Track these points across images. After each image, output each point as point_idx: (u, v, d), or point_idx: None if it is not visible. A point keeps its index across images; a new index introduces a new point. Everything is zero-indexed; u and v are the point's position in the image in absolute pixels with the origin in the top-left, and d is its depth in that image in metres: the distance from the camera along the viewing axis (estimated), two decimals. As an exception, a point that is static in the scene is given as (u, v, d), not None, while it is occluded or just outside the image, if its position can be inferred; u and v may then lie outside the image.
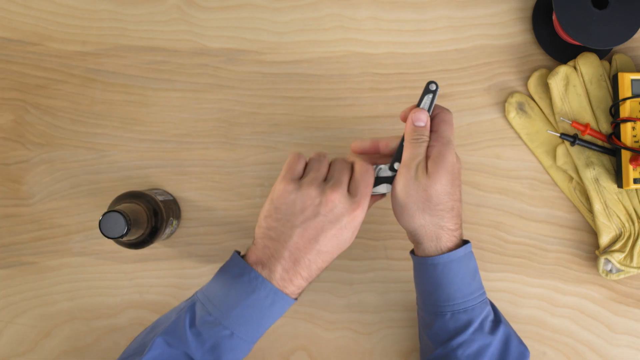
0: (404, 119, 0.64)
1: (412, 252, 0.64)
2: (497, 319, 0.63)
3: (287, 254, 0.58)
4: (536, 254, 0.75)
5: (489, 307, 0.63)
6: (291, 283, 0.59)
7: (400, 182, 0.61)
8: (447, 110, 0.63)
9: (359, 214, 0.59)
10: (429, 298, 0.63)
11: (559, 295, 0.74)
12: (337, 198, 0.59)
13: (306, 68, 0.75)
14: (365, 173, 0.61)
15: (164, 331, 0.58)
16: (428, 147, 0.62)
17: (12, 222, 0.75)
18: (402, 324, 0.74)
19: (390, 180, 0.63)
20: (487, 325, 0.62)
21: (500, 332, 0.62)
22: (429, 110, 0.63)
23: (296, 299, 0.60)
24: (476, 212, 0.75)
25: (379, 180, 0.63)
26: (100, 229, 0.60)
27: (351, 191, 0.60)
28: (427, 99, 0.63)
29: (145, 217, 0.66)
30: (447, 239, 0.61)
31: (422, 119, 0.62)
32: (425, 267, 0.62)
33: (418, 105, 0.63)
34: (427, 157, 0.61)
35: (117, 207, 0.62)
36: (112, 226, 0.61)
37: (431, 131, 0.63)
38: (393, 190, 0.62)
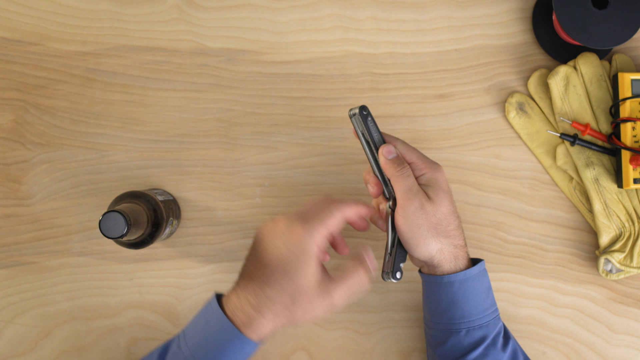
0: (367, 181, 0.63)
1: (421, 271, 0.64)
2: (507, 335, 0.64)
3: (250, 295, 0.56)
4: (536, 254, 0.75)
5: (501, 323, 0.63)
6: (241, 312, 0.56)
7: (406, 216, 0.59)
8: (397, 138, 0.63)
9: (304, 232, 0.56)
10: (442, 316, 0.62)
11: (559, 295, 0.74)
12: (283, 221, 0.57)
13: (306, 68, 0.75)
14: (329, 200, 0.59)
15: None
16: (417, 175, 0.62)
17: (12, 222, 0.75)
18: (402, 324, 0.74)
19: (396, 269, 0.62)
20: (500, 340, 0.62)
21: (510, 347, 0.62)
22: (380, 133, 0.63)
23: (252, 340, 0.56)
24: (476, 212, 0.75)
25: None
26: (100, 229, 0.60)
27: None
28: (373, 128, 0.63)
29: (145, 217, 0.66)
30: (463, 257, 0.61)
31: (392, 150, 0.62)
32: (441, 285, 0.61)
33: (368, 136, 0.62)
34: (421, 184, 0.61)
35: (117, 207, 0.62)
36: (112, 226, 0.61)
37: (407, 162, 0.62)
38: (400, 228, 0.60)
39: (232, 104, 0.75)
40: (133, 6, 0.76)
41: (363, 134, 0.62)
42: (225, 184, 0.75)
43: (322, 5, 0.75)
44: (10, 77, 0.76)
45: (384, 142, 0.63)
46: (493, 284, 0.74)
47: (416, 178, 0.61)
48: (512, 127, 0.75)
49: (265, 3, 0.75)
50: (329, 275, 0.58)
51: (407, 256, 0.63)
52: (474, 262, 0.63)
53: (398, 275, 0.62)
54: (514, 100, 0.74)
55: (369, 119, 0.62)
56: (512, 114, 0.74)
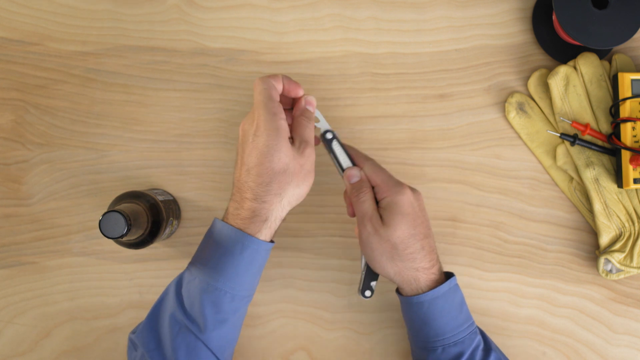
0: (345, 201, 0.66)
1: (397, 290, 0.65)
2: (488, 347, 0.64)
3: (234, 189, 0.60)
4: (536, 254, 0.75)
5: (479, 337, 0.63)
6: (245, 218, 0.58)
7: (361, 240, 0.62)
8: (367, 158, 0.65)
9: (259, 114, 0.59)
10: (418, 334, 0.63)
11: (559, 295, 0.74)
12: (243, 126, 0.60)
13: (306, 68, 0.75)
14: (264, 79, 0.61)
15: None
16: (379, 199, 0.62)
17: (12, 222, 0.75)
18: (402, 324, 0.74)
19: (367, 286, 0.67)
20: (478, 354, 0.62)
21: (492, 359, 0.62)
22: (348, 155, 0.65)
23: (263, 240, 0.59)
24: (476, 212, 0.75)
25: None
26: (100, 229, 0.60)
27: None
28: (338, 150, 0.65)
29: (145, 217, 0.66)
30: (426, 278, 0.62)
31: (355, 174, 0.64)
32: (411, 305, 0.62)
33: (336, 159, 0.65)
34: (380, 208, 0.62)
35: (117, 207, 0.62)
36: (112, 226, 0.61)
37: (373, 185, 0.64)
38: (361, 248, 0.63)
39: (232, 104, 0.75)
40: (133, 6, 0.76)
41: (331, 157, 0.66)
42: (225, 184, 0.75)
43: (322, 5, 0.75)
44: (10, 77, 0.76)
45: (353, 164, 0.65)
46: (493, 284, 0.74)
47: (380, 200, 0.63)
48: (512, 127, 0.75)
49: (265, 3, 0.75)
50: (293, 144, 0.61)
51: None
52: (447, 275, 0.64)
53: (367, 293, 0.66)
54: (514, 100, 0.74)
55: (334, 142, 0.65)
56: (512, 114, 0.74)
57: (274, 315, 0.74)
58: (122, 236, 0.60)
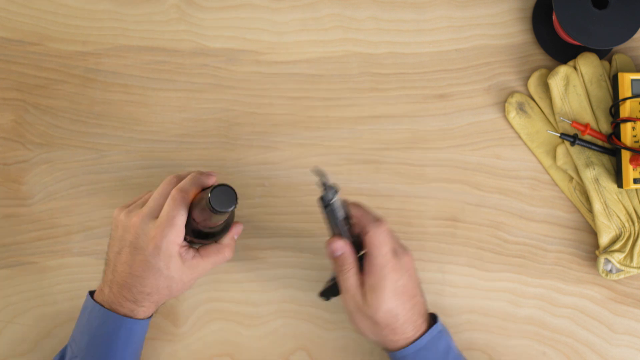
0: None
1: None
2: None
3: (111, 277, 0.62)
4: (536, 254, 0.75)
5: None
6: (120, 306, 0.61)
7: (345, 309, 0.62)
8: (377, 223, 0.59)
9: (160, 237, 0.59)
10: None
11: (559, 295, 0.74)
12: (137, 223, 0.60)
13: (306, 68, 0.75)
14: (172, 196, 0.60)
15: None
16: (364, 273, 0.60)
17: (12, 222, 0.75)
18: (402, 324, 0.74)
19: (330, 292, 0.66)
20: None
21: None
22: (346, 218, 0.60)
23: (140, 319, 0.62)
24: (476, 212, 0.75)
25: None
26: (210, 203, 0.56)
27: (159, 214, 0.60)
28: (331, 214, 0.59)
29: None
30: (407, 337, 0.61)
31: (338, 248, 0.60)
32: (396, 359, 0.62)
33: (329, 223, 0.60)
34: (364, 282, 0.60)
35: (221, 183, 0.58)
36: (224, 199, 0.56)
37: (366, 253, 0.60)
38: (345, 310, 0.62)
39: (232, 104, 0.75)
40: (133, 6, 0.76)
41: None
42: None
43: (322, 5, 0.75)
44: (10, 77, 0.76)
45: (343, 228, 0.60)
46: (493, 284, 0.74)
47: (364, 275, 0.60)
48: (512, 127, 0.75)
49: (265, 3, 0.75)
50: (193, 252, 0.63)
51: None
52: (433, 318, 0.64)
53: (323, 299, 0.67)
54: (514, 100, 0.74)
55: (328, 207, 0.59)
56: (512, 114, 0.74)
57: (274, 315, 0.74)
58: (232, 209, 0.57)
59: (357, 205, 0.62)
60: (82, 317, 0.64)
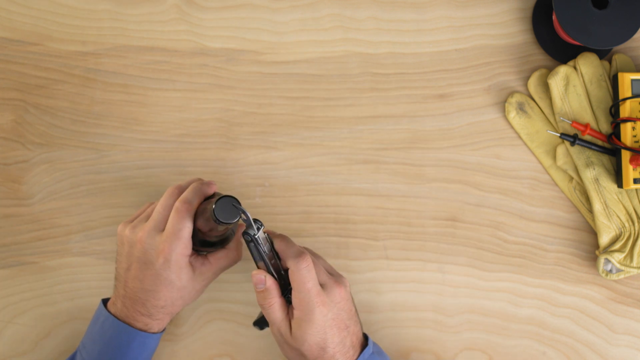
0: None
1: None
2: None
3: (123, 292, 0.62)
4: (536, 254, 0.75)
5: None
6: (135, 320, 0.61)
7: (275, 339, 0.62)
8: (299, 259, 0.59)
9: (168, 250, 0.59)
10: None
11: (559, 295, 0.74)
12: (144, 238, 0.60)
13: (306, 68, 0.75)
14: (175, 208, 0.60)
15: None
16: (292, 306, 0.59)
17: (12, 222, 0.75)
18: (402, 324, 0.74)
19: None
20: None
21: None
22: (272, 250, 0.60)
23: (154, 332, 0.63)
24: (476, 212, 0.75)
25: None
26: (215, 215, 0.56)
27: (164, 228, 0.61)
28: (254, 250, 0.60)
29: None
30: None
31: (261, 281, 0.60)
32: None
33: (254, 257, 0.60)
34: (292, 316, 0.59)
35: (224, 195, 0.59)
36: (227, 211, 0.57)
37: (291, 282, 0.59)
38: None
39: (232, 104, 0.75)
40: (133, 6, 0.76)
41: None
42: (225, 184, 0.75)
43: (322, 5, 0.75)
44: (10, 77, 0.76)
45: (266, 261, 0.60)
46: (493, 284, 0.74)
47: (292, 309, 0.60)
48: (512, 127, 0.75)
49: (265, 3, 0.75)
50: (202, 259, 0.64)
51: None
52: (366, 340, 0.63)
53: (256, 327, 0.65)
54: (514, 100, 0.74)
55: (250, 244, 0.60)
56: (512, 114, 0.74)
57: (274, 315, 0.74)
58: (235, 221, 0.57)
59: (282, 239, 0.61)
60: (95, 326, 0.64)
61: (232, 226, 0.63)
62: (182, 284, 0.61)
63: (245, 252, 0.65)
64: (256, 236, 0.59)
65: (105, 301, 0.65)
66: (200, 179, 0.65)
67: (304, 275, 0.59)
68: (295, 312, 0.59)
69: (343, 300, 0.61)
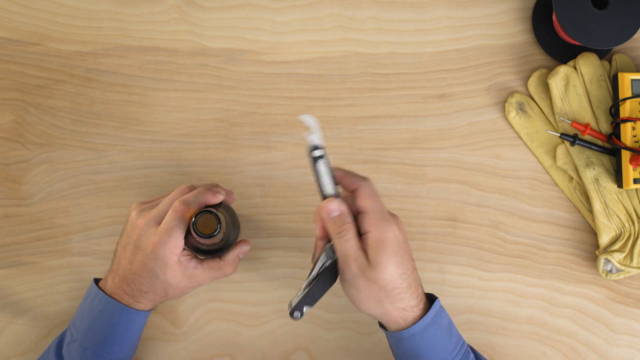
0: (316, 220, 0.59)
1: (381, 325, 0.62)
2: None
3: (115, 268, 0.64)
4: (536, 254, 0.75)
5: (472, 355, 0.62)
6: (120, 298, 0.63)
7: (345, 281, 0.58)
8: (364, 179, 0.58)
9: (157, 244, 0.60)
10: None
11: (559, 295, 0.74)
12: (142, 225, 0.61)
13: (306, 68, 0.75)
14: (173, 207, 0.61)
15: None
16: (363, 233, 0.57)
17: (12, 222, 0.75)
18: (402, 324, 0.74)
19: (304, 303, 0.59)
20: None
21: None
22: (333, 180, 0.57)
23: (139, 310, 0.63)
24: (476, 212, 0.75)
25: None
26: (194, 228, 0.58)
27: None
28: (323, 169, 0.57)
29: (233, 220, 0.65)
30: (412, 315, 0.59)
31: (334, 208, 0.57)
32: (402, 340, 0.60)
33: (318, 182, 0.57)
34: (365, 244, 0.57)
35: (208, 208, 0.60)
36: (206, 225, 0.59)
37: (359, 212, 0.57)
38: (342, 286, 0.59)
39: (232, 104, 0.75)
40: (133, 6, 0.76)
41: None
42: (226, 184, 0.75)
43: (322, 5, 0.75)
44: (10, 77, 0.76)
45: (335, 188, 0.57)
46: (493, 284, 0.74)
47: (364, 234, 0.57)
48: (512, 127, 0.75)
49: (265, 3, 0.75)
50: (195, 262, 0.63)
51: (316, 303, 0.60)
52: (430, 298, 0.62)
53: (296, 314, 0.59)
54: (514, 100, 0.74)
55: (320, 162, 0.57)
56: (512, 114, 0.74)
57: (274, 315, 0.74)
58: (214, 235, 0.58)
59: (338, 168, 0.60)
60: (85, 303, 0.64)
61: (230, 236, 0.64)
62: (165, 279, 0.61)
63: (239, 267, 0.66)
64: (325, 154, 0.56)
65: (97, 281, 0.66)
66: (214, 185, 0.65)
67: (375, 191, 0.57)
68: (370, 235, 0.56)
69: (404, 228, 0.59)
